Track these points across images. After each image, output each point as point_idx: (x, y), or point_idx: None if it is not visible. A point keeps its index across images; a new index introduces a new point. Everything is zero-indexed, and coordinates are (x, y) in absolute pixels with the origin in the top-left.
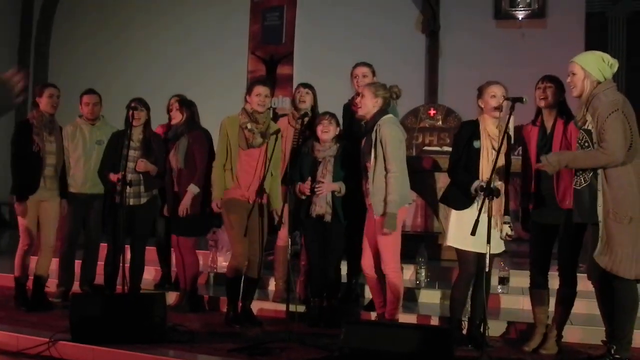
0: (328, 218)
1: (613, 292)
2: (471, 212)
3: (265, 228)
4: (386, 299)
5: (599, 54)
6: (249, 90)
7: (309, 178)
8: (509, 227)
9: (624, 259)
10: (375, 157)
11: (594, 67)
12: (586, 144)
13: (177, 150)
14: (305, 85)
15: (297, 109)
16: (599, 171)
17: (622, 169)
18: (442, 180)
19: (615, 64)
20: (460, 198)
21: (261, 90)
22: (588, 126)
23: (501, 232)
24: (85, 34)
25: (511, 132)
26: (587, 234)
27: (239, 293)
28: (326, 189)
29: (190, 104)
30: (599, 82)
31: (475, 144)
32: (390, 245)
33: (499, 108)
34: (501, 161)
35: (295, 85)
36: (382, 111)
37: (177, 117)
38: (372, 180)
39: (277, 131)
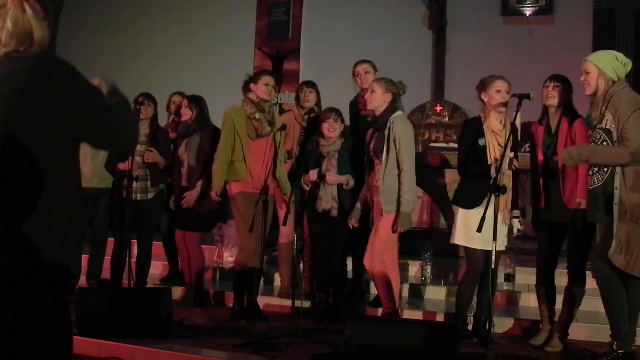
0: (334, 213)
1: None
2: (478, 210)
3: (269, 221)
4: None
5: (613, 53)
6: (255, 79)
7: (317, 170)
8: (519, 221)
9: (634, 257)
10: (388, 155)
11: (608, 66)
12: (605, 143)
13: (189, 147)
14: (309, 84)
15: (302, 107)
16: (618, 170)
17: None
18: (449, 177)
19: (629, 64)
20: (470, 197)
21: (269, 80)
22: (606, 125)
23: (512, 227)
24: (92, 31)
25: (518, 128)
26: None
27: (246, 288)
28: (334, 180)
29: (199, 100)
30: (613, 82)
31: (481, 142)
32: (382, 241)
33: (504, 104)
34: (509, 156)
35: (301, 81)
36: (393, 107)
37: (187, 114)
38: (382, 178)
39: (284, 127)
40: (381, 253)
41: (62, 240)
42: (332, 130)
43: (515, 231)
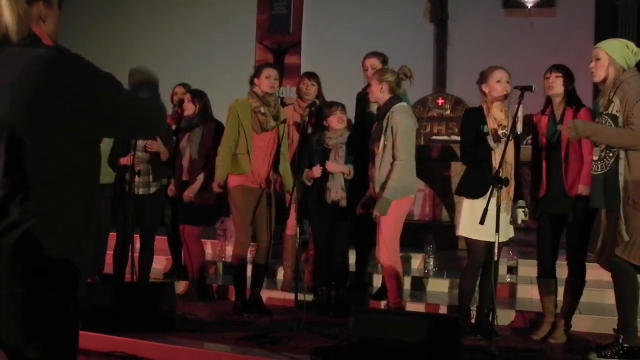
0: (343, 203)
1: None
2: (483, 201)
3: (274, 215)
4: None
5: (624, 41)
6: (257, 73)
7: (318, 165)
8: (523, 212)
9: (636, 245)
10: (385, 145)
11: (618, 54)
12: None
13: (191, 140)
14: (310, 76)
15: (302, 99)
16: (622, 155)
17: None
18: (451, 169)
19: (639, 52)
20: (475, 187)
21: (271, 72)
22: (612, 110)
23: (516, 217)
24: (89, 22)
25: (520, 121)
26: (594, 222)
27: (245, 280)
28: (335, 168)
29: (201, 94)
30: (623, 70)
31: (484, 128)
32: (388, 233)
33: (505, 95)
34: (511, 147)
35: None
36: (395, 97)
37: (190, 109)
38: (378, 167)
39: (284, 120)
40: (390, 245)
41: (73, 236)
42: (341, 121)
43: (520, 221)
